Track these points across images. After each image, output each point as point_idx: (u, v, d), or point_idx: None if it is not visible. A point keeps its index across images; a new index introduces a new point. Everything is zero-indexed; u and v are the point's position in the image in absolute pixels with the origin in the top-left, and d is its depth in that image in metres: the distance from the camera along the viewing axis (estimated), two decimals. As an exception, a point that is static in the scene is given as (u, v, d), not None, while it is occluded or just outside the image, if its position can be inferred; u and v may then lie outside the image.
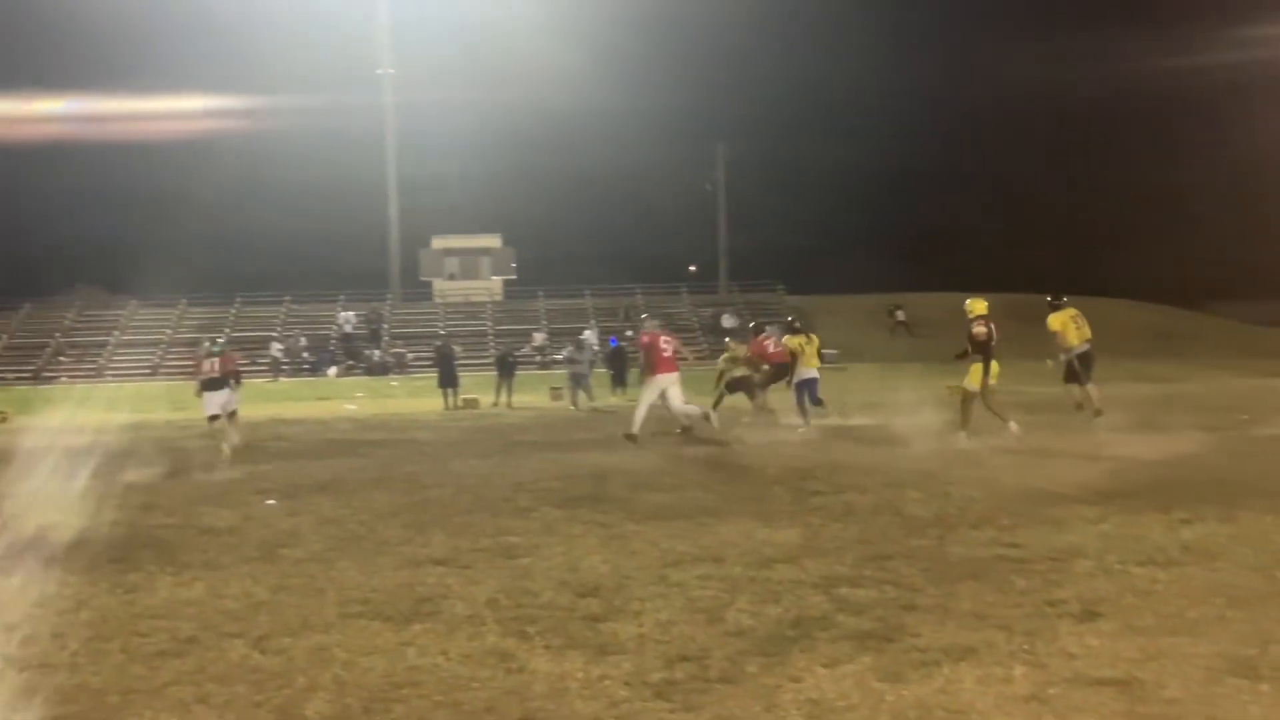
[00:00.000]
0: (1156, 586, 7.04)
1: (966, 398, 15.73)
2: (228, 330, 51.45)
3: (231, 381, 18.17)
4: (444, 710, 5.07)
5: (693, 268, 68.98)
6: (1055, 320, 17.58)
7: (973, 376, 15.54)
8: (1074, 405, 17.82)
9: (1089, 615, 6.40)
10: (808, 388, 18.97)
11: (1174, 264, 59.91)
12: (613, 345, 34.98)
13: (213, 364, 18.00)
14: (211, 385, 17.74)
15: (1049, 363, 18.54)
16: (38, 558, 8.71)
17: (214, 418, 17.65)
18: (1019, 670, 5.43)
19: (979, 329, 15.62)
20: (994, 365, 15.66)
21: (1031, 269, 60.11)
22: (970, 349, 15.75)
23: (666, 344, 16.69)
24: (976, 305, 16.10)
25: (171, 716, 5.06)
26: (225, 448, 16.68)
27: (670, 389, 16.40)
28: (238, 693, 5.39)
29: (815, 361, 19.57)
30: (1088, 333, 17.52)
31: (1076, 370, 17.34)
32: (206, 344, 19.32)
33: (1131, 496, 10.26)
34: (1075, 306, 17.76)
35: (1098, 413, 17.10)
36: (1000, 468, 12.48)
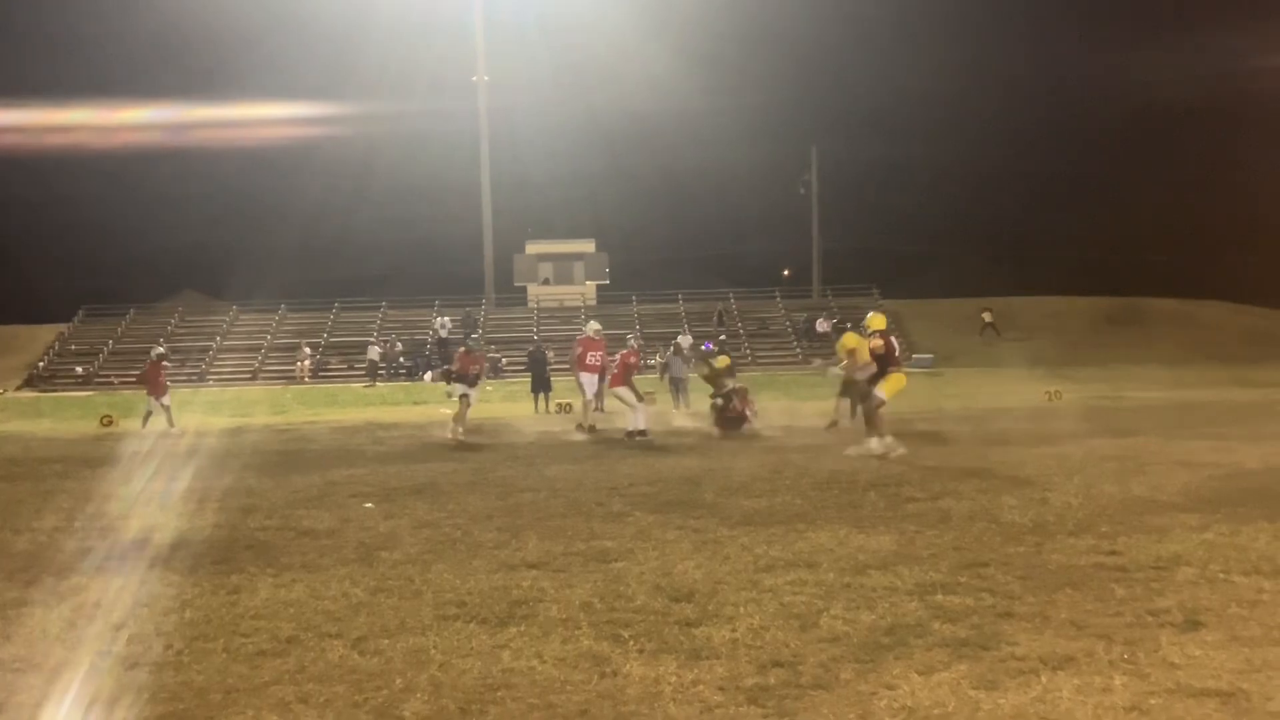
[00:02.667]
0: (1262, 596, 6.88)
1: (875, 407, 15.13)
2: (325, 335, 52.41)
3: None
4: (538, 713, 5.12)
5: (786, 271, 68.69)
6: (851, 339, 17.63)
7: (885, 386, 15.01)
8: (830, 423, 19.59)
9: (1191, 625, 6.28)
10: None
11: (1276, 265, 58.30)
12: (706, 349, 34.93)
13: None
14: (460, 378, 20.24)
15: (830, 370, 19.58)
16: (142, 559, 8.95)
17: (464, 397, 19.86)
18: (1119, 680, 5.34)
19: (876, 343, 15.10)
20: (895, 379, 15.20)
21: (1124, 273, 59.15)
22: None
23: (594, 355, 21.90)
24: (875, 321, 15.52)
25: (273, 715, 5.17)
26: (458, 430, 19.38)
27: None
28: (337, 692, 5.49)
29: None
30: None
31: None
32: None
33: (1236, 505, 10.03)
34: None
35: (833, 423, 19.46)
36: (1099, 475, 12.25)
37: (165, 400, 24.75)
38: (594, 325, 23.36)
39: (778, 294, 60.26)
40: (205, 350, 50.43)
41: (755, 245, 65.11)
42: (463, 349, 21.42)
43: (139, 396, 27.30)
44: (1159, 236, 64.73)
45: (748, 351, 49.60)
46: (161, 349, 27.85)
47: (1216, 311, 53.82)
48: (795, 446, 16.44)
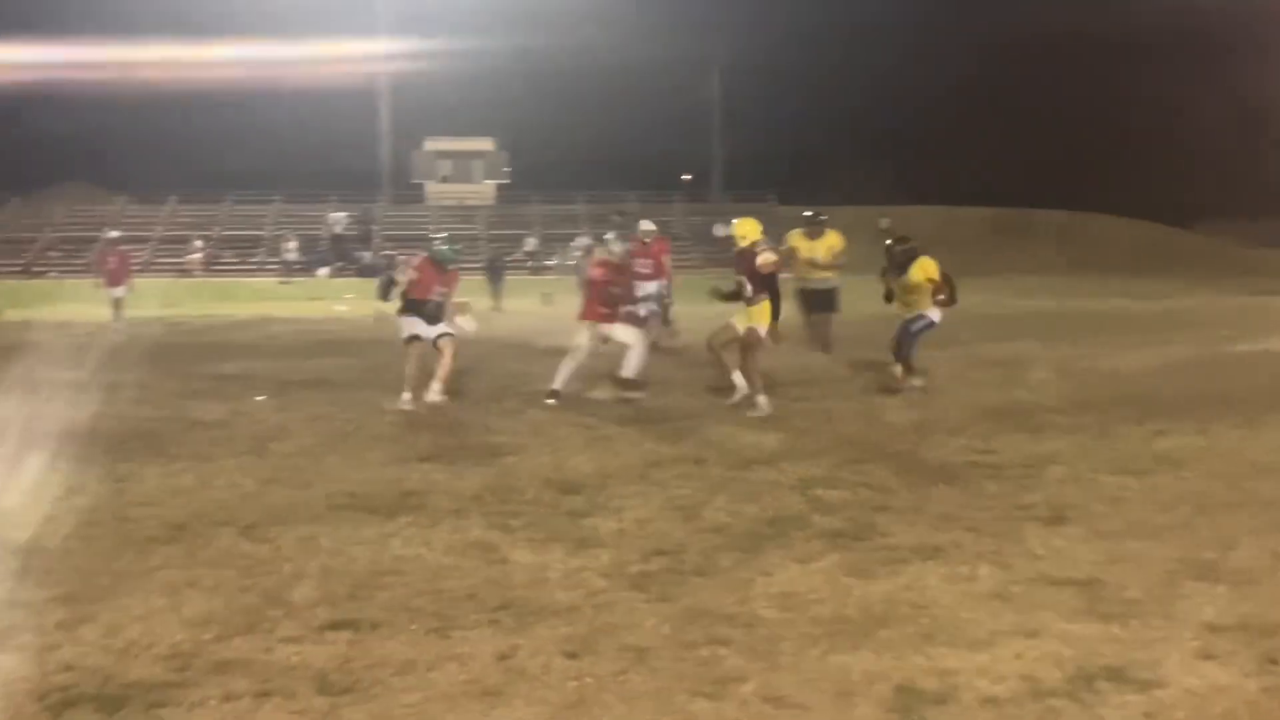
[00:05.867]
0: (1126, 494, 7.24)
1: (749, 345, 10.85)
2: (218, 229, 51.32)
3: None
4: (425, 597, 5.25)
5: (686, 176, 68.49)
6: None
7: (758, 315, 10.79)
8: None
9: (1057, 520, 6.60)
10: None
11: (1166, 181, 59.63)
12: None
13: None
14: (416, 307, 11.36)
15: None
16: (29, 447, 8.84)
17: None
18: (984, 569, 5.62)
19: (767, 258, 10.87)
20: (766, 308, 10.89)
21: (1019, 181, 60.04)
22: (752, 285, 10.88)
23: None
24: (747, 227, 11.16)
25: (161, 598, 5.22)
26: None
27: None
28: (226, 577, 5.55)
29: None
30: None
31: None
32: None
33: (1109, 409, 10.44)
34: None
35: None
36: (980, 379, 12.65)
37: (119, 292, 21.73)
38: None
39: (676, 198, 60.19)
40: (93, 241, 49.06)
41: (658, 148, 64.57)
42: (423, 255, 11.69)
43: (26, 286, 26.49)
44: (1050, 148, 65.64)
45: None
46: (115, 233, 24.85)
47: (1104, 224, 54.96)
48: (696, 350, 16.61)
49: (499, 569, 5.72)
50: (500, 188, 59.68)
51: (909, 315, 12.12)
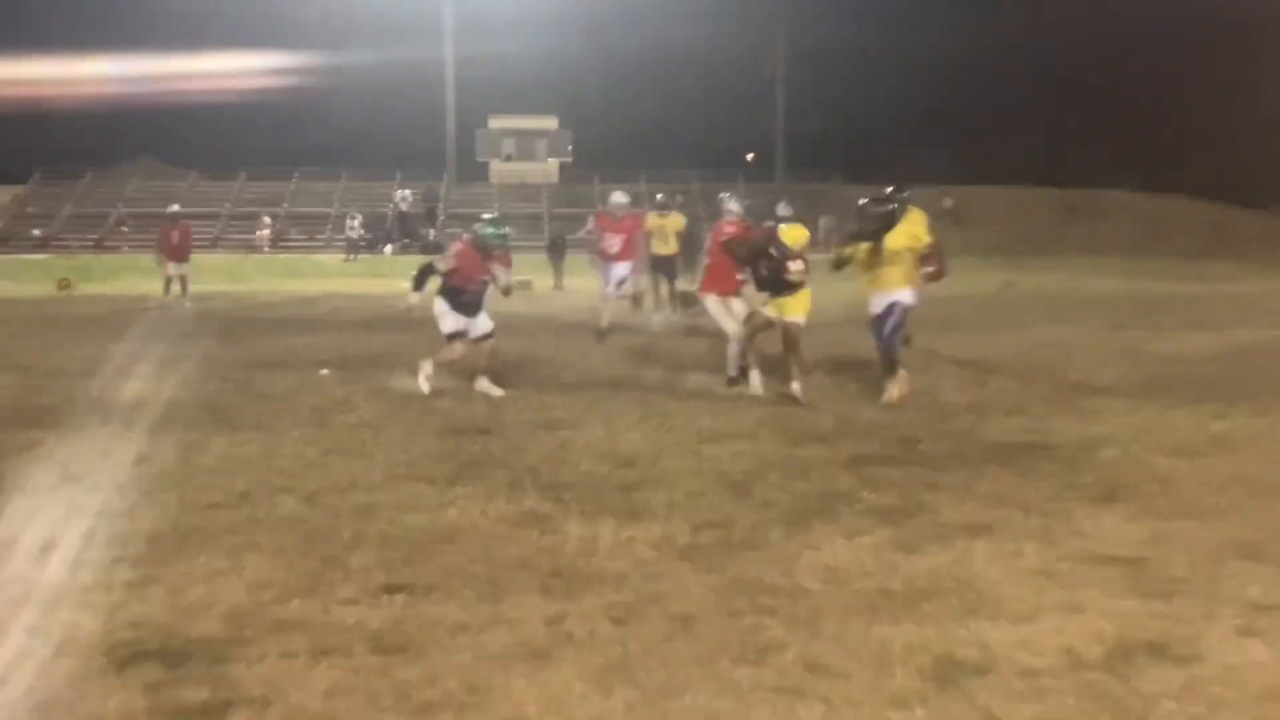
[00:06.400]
0: (1178, 475, 7.21)
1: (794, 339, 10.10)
2: (286, 205, 51.96)
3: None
4: (479, 564, 5.38)
5: (750, 155, 68.24)
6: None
7: (796, 306, 10.07)
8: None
9: (1107, 499, 6.61)
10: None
11: (1240, 163, 58.54)
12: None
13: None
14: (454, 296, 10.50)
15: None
16: (100, 416, 9.12)
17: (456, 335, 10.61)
18: (1030, 547, 5.65)
19: (797, 268, 10.01)
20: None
21: (1088, 162, 59.19)
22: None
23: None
24: (795, 233, 10.20)
25: (225, 560, 5.41)
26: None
27: None
28: (288, 542, 5.73)
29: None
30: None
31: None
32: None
33: (1167, 391, 10.38)
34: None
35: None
36: (1039, 360, 12.59)
37: (180, 269, 21.88)
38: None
39: (740, 177, 60.01)
40: (179, 218, 49.65)
41: (719, 128, 64.44)
42: (465, 237, 11.04)
43: (98, 261, 27.03)
44: (1121, 128, 64.77)
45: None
46: (177, 207, 25.02)
47: (1176, 206, 54.12)
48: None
49: (551, 538, 5.84)
50: (563, 166, 59.84)
51: (876, 301, 9.97)
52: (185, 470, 7.34)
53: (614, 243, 15.18)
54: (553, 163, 59.48)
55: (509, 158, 59.26)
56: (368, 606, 4.79)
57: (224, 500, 6.56)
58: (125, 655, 4.26)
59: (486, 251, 10.49)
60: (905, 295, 9.99)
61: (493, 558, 5.48)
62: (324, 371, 11.64)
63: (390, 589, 4.99)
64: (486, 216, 11.07)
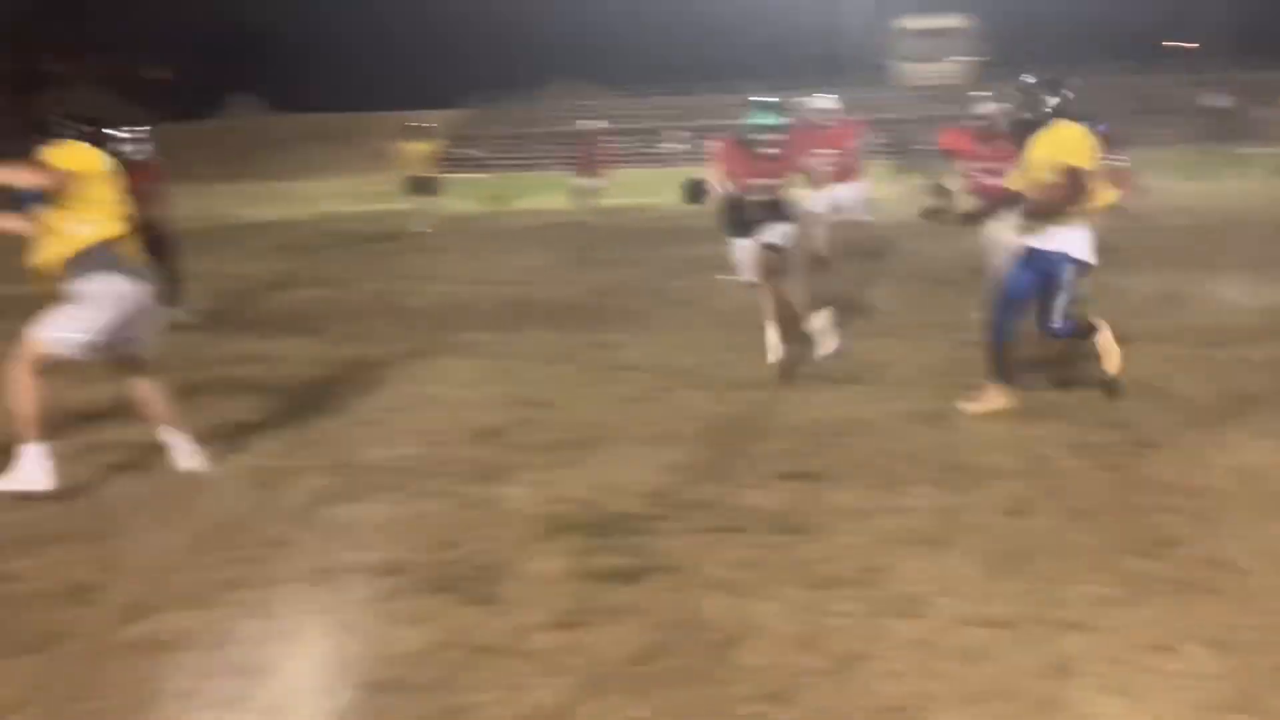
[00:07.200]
0: None
1: None
2: (690, 120, 53.19)
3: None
4: (877, 456, 5.62)
5: (1173, 43, 63.11)
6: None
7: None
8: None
9: None
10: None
11: None
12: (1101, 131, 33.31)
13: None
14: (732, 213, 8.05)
15: None
16: (525, 318, 9.99)
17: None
18: None
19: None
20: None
21: None
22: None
23: None
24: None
25: (641, 448, 5.89)
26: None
27: None
28: (697, 429, 6.19)
29: None
30: None
31: None
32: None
33: None
34: None
35: None
36: None
37: (598, 181, 21.94)
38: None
39: (1163, 69, 55.81)
40: (597, 135, 51.96)
41: (1142, 14, 59.99)
42: (728, 139, 8.04)
43: (521, 179, 28.40)
44: None
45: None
46: (589, 124, 25.41)
47: None
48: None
49: (947, 435, 5.97)
50: (975, 66, 57.82)
51: (1025, 243, 6.43)
52: (605, 365, 7.99)
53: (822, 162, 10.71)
54: (962, 62, 57.60)
55: (917, 60, 57.94)
56: (771, 491, 5.11)
57: (638, 394, 7.12)
58: (553, 525, 4.77)
59: (753, 147, 7.71)
60: (1073, 241, 6.38)
61: (890, 451, 5.69)
62: (720, 276, 12.02)
63: (792, 476, 5.30)
64: (759, 99, 8.03)
